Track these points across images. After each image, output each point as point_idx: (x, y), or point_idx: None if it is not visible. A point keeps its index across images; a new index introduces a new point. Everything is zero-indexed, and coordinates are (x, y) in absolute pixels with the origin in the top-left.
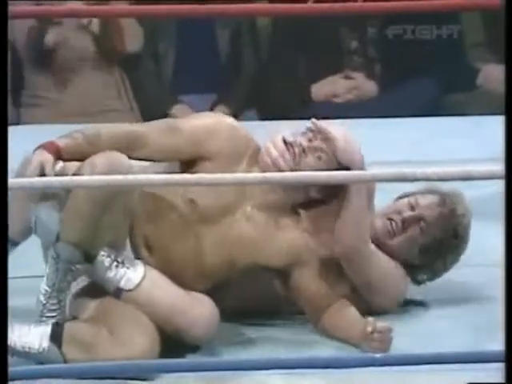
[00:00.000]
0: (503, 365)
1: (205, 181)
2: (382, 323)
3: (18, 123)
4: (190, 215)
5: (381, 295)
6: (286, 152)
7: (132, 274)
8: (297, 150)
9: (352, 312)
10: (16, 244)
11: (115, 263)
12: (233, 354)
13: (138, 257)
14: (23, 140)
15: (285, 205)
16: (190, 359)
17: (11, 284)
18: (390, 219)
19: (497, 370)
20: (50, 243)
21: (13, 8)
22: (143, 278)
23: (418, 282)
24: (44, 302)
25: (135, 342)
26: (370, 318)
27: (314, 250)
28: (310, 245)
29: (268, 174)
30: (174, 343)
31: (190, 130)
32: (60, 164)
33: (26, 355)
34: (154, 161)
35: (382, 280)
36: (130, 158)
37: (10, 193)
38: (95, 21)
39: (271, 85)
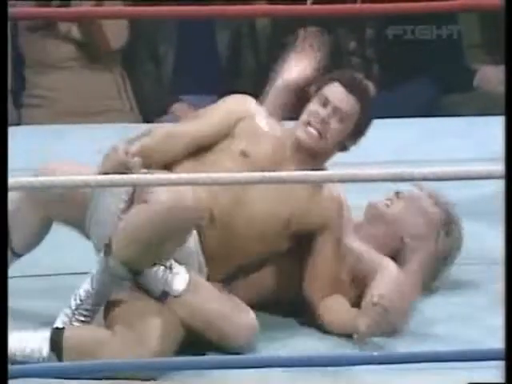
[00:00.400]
0: (503, 363)
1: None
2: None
3: (18, 123)
4: (243, 169)
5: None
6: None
7: (178, 279)
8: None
9: (345, 304)
10: (19, 256)
11: (162, 268)
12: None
13: (201, 232)
14: (24, 140)
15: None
16: (193, 358)
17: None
18: None
19: (496, 369)
20: (100, 242)
21: (12, 10)
22: (189, 283)
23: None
24: (83, 298)
25: (146, 344)
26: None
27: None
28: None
29: (267, 174)
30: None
31: (216, 106)
32: (138, 158)
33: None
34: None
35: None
36: (177, 151)
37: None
38: (74, 27)
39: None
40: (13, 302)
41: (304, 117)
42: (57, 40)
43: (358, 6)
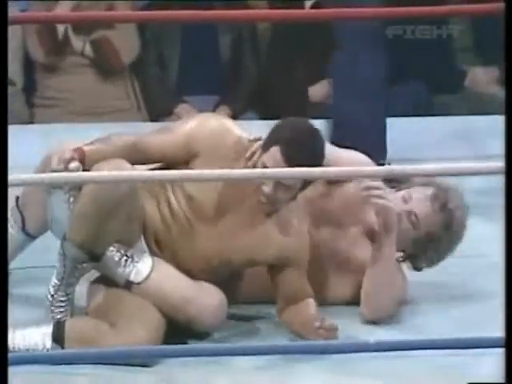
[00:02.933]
0: (503, 350)
1: (203, 176)
2: (329, 321)
3: (31, 122)
4: (189, 212)
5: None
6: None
7: (141, 267)
8: None
9: (311, 310)
10: (33, 238)
11: (124, 258)
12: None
13: (150, 252)
14: (36, 137)
15: (278, 205)
16: (188, 345)
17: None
18: None
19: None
20: (60, 239)
21: (12, 14)
22: (152, 270)
23: (416, 269)
24: (53, 293)
25: (136, 335)
26: (320, 315)
27: (305, 251)
28: (303, 246)
29: (266, 170)
30: (179, 334)
31: (182, 129)
32: (76, 164)
33: None
34: (155, 163)
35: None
36: (137, 162)
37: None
38: (87, 46)
39: (270, 87)
40: (30, 290)
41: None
42: (71, 56)
43: (355, 10)
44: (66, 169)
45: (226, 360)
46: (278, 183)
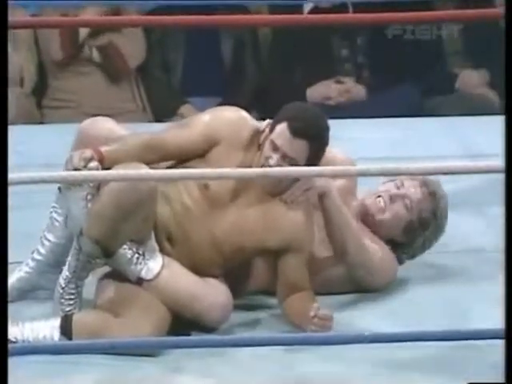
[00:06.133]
0: (503, 341)
1: (215, 174)
2: (325, 311)
3: (41, 122)
4: (203, 201)
5: (374, 276)
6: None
7: (152, 265)
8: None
9: (308, 301)
10: None
11: (136, 255)
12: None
13: (161, 250)
14: (46, 137)
15: (284, 183)
16: (192, 337)
17: None
18: (379, 196)
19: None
20: (76, 235)
21: (12, 19)
22: (162, 267)
23: (399, 261)
24: (63, 285)
25: (141, 327)
26: (316, 304)
27: (307, 239)
28: (306, 233)
29: (269, 169)
30: (184, 329)
31: (201, 121)
32: (95, 163)
33: None
34: (172, 159)
35: (376, 265)
36: (154, 161)
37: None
38: (95, 52)
39: (270, 89)
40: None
41: (261, 161)
42: (80, 62)
43: (350, 15)
44: (86, 167)
45: (230, 350)
46: (283, 156)
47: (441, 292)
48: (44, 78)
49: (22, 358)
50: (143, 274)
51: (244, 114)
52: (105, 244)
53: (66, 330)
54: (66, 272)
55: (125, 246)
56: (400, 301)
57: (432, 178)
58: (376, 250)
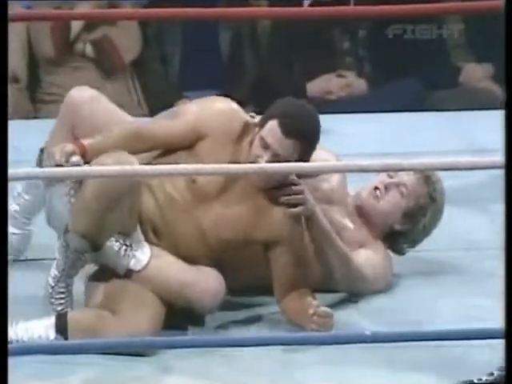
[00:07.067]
0: (503, 341)
1: (207, 170)
2: (324, 308)
3: (35, 117)
4: (188, 195)
5: (366, 285)
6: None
7: (140, 256)
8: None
9: (307, 299)
10: None
11: (124, 247)
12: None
13: (147, 241)
14: (39, 132)
15: (273, 181)
16: (189, 337)
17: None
18: (375, 188)
19: None
20: (61, 232)
21: (16, 11)
22: (151, 257)
23: (400, 252)
24: (53, 284)
25: (137, 321)
26: (315, 302)
27: (297, 233)
28: (295, 226)
29: (265, 165)
30: (179, 319)
31: (190, 111)
32: (77, 157)
33: None
34: (160, 149)
35: (367, 275)
36: (141, 151)
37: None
38: (88, 46)
39: (270, 82)
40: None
41: (251, 158)
42: (74, 57)
43: (350, 8)
44: (68, 162)
45: (227, 350)
46: (274, 155)
47: (443, 289)
48: (37, 73)
49: (18, 358)
50: (132, 266)
51: (234, 105)
52: (92, 237)
53: (61, 328)
54: (54, 271)
55: (112, 239)
56: (400, 298)
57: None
58: (368, 258)
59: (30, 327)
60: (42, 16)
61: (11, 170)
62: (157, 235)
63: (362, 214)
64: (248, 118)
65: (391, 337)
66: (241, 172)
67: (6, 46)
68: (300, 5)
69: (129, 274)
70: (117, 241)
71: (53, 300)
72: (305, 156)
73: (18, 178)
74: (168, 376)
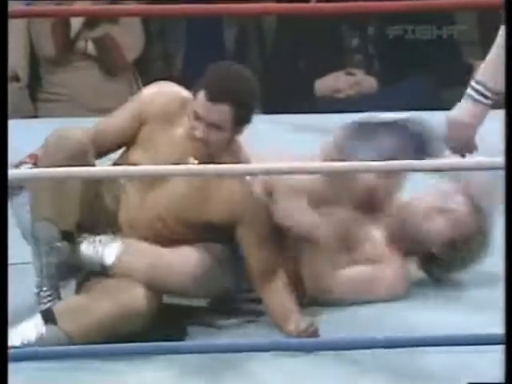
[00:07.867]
0: (503, 347)
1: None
2: (307, 321)
3: (35, 116)
4: (138, 181)
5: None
6: None
7: (111, 248)
8: None
9: (288, 300)
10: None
11: (93, 243)
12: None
13: (114, 234)
14: (40, 131)
15: (215, 150)
16: (192, 342)
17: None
18: (428, 208)
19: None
20: (28, 235)
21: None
22: (121, 248)
23: (429, 274)
24: (37, 291)
25: (131, 298)
26: (295, 319)
27: (261, 212)
28: (256, 205)
29: (266, 165)
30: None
31: (126, 104)
32: (28, 167)
33: None
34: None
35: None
36: (103, 151)
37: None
38: (90, 44)
39: (276, 81)
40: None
41: (189, 132)
42: (75, 56)
43: (359, 3)
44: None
45: (230, 356)
46: (208, 125)
47: (445, 293)
48: (38, 71)
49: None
50: (106, 260)
51: (172, 85)
52: (57, 220)
53: (49, 318)
54: (35, 278)
55: (80, 238)
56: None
57: (481, 189)
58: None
59: (22, 330)
60: (42, 12)
61: (11, 170)
62: (118, 226)
63: (402, 227)
64: (187, 96)
65: (400, 342)
66: (238, 173)
67: (6, 45)
68: (307, 0)
69: (104, 270)
70: (85, 238)
71: (42, 306)
72: (241, 120)
73: (18, 178)
74: (170, 381)
